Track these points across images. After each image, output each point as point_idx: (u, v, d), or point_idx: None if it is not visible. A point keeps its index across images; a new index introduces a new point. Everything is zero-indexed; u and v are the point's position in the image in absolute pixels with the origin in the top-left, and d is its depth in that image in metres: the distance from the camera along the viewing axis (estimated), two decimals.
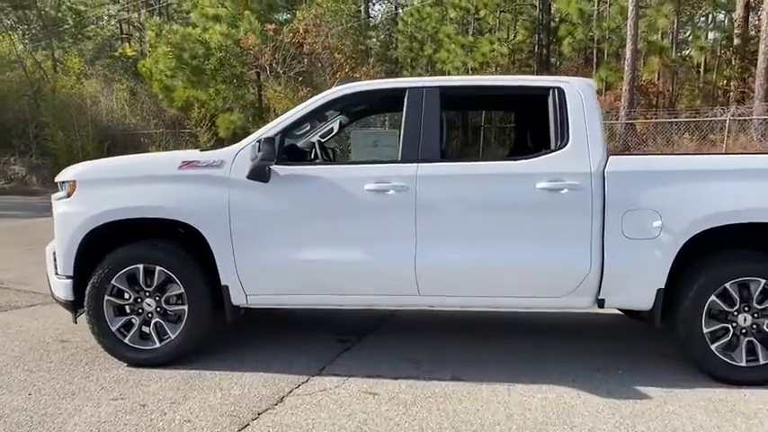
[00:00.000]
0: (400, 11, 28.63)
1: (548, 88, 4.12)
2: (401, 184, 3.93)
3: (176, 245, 4.13)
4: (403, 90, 4.14)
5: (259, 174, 3.91)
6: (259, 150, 3.82)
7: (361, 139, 5.36)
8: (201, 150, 4.31)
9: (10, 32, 24.80)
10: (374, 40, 27.54)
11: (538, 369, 4.12)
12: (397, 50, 25.96)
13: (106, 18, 36.59)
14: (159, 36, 18.30)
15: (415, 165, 3.97)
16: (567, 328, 5.06)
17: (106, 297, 4.09)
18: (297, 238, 4.01)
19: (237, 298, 4.09)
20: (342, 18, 18.52)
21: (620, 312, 4.61)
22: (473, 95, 4.50)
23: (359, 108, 5.16)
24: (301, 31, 16.38)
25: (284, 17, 20.14)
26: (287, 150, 4.32)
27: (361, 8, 24.64)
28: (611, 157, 3.95)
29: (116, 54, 27.60)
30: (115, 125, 21.38)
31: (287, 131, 4.15)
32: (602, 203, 3.84)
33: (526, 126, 5.00)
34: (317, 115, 4.49)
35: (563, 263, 3.90)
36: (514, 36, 25.42)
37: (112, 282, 4.08)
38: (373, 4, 30.22)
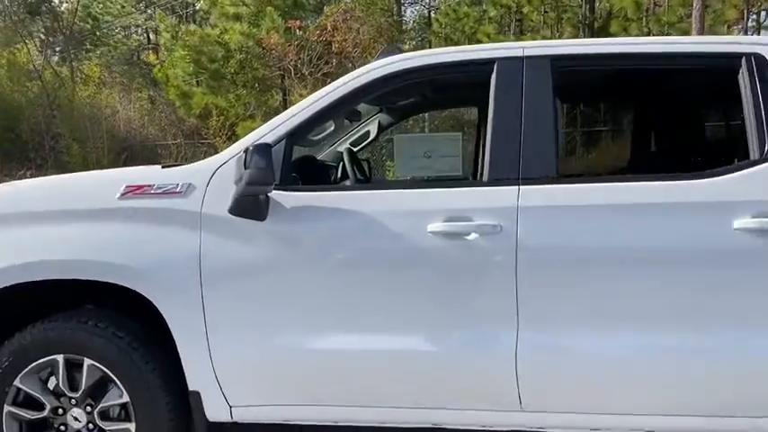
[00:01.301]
0: (433, 14, 27.05)
1: (737, 56, 2.42)
2: (490, 222, 2.28)
3: (117, 323, 2.53)
4: (488, 63, 2.48)
5: (248, 206, 2.31)
6: (247, 167, 2.20)
7: (406, 146, 3.69)
8: (164, 167, 2.73)
9: (26, 41, 23.89)
10: (406, 46, 25.98)
11: None
12: None
13: (134, 28, 35.93)
14: (175, 38, 16.98)
15: (515, 188, 2.32)
16: None
17: (6, 407, 2.52)
18: (314, 315, 2.39)
19: (215, 411, 2.47)
20: (374, 13, 17.04)
21: None
22: (605, 70, 2.80)
23: (411, 99, 3.49)
24: (329, 28, 14.88)
25: (310, 22, 18.70)
26: (298, 165, 2.73)
27: (394, 9, 23.08)
28: None
29: (138, 61, 26.62)
30: (133, 136, 20.14)
31: (297, 135, 2.53)
32: None
33: (686, 120, 3.26)
34: (346, 110, 2.86)
35: None
36: (559, 35, 23.61)
37: (16, 383, 2.50)
38: (405, 9, 28.73)
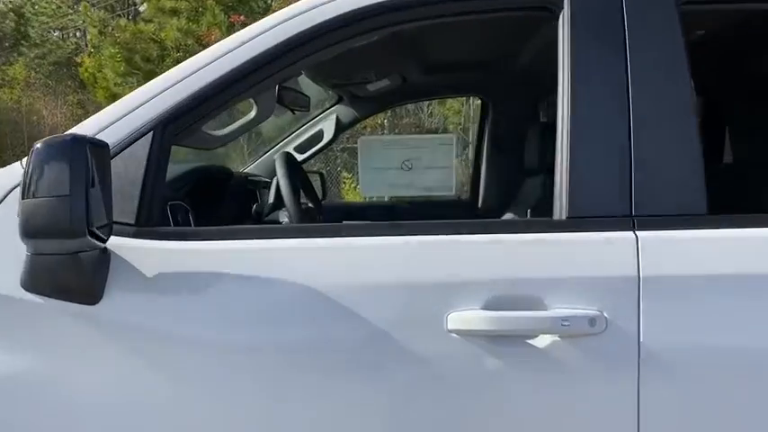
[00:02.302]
0: None
1: None
2: (580, 309, 1.08)
3: None
4: None
5: (56, 277, 1.04)
6: (26, 193, 0.95)
7: (376, 153, 2.40)
8: None
9: None
10: None
11: None
12: None
13: (72, 30, 34.07)
14: (103, 34, 15.40)
15: (629, 237, 1.12)
16: None
17: None
18: None
19: None
20: None
21: None
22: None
23: (395, 71, 2.21)
24: None
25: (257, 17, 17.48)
26: (187, 186, 1.47)
27: None
28: None
29: (67, 62, 24.85)
30: None
31: (181, 123, 1.26)
32: None
33: None
34: (279, 77, 1.52)
35: None
36: None
37: None
38: None
